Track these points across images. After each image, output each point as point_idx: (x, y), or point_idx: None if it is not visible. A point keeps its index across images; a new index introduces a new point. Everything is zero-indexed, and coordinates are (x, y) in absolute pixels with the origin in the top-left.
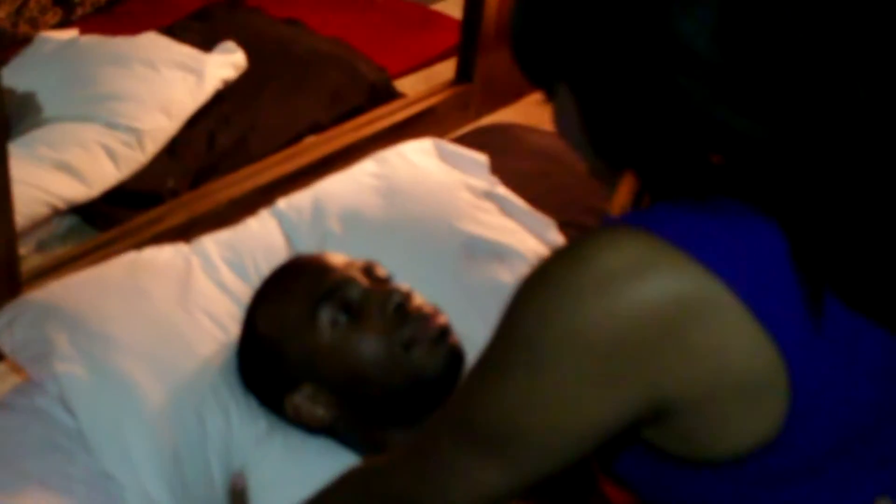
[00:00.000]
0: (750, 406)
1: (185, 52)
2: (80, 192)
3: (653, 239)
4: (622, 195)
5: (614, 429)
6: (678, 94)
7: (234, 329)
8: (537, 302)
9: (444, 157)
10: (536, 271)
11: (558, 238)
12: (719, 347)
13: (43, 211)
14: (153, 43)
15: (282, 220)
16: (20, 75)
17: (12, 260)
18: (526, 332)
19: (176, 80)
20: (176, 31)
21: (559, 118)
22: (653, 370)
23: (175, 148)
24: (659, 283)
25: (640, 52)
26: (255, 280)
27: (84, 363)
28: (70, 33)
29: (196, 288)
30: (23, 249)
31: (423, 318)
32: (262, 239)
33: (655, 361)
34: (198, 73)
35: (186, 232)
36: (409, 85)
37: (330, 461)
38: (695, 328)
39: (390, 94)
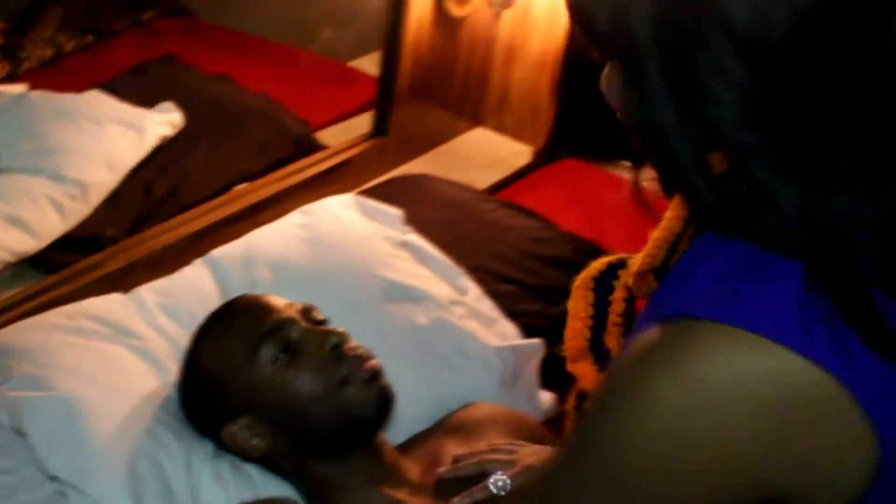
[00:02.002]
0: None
1: (127, 109)
2: (29, 245)
3: (743, 336)
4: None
5: None
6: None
7: (170, 366)
8: (643, 431)
9: (363, 210)
10: (632, 378)
11: (467, 283)
12: (835, 428)
13: None
14: (98, 100)
15: (215, 268)
16: None
17: None
18: (625, 451)
19: (118, 136)
20: (116, 87)
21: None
22: (772, 466)
23: (115, 197)
24: (762, 390)
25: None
26: (190, 324)
27: (33, 388)
28: (19, 87)
29: (133, 331)
30: None
31: (357, 360)
32: (196, 286)
33: (774, 458)
34: (138, 130)
35: (126, 276)
36: (330, 136)
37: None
38: (806, 416)
39: (313, 146)
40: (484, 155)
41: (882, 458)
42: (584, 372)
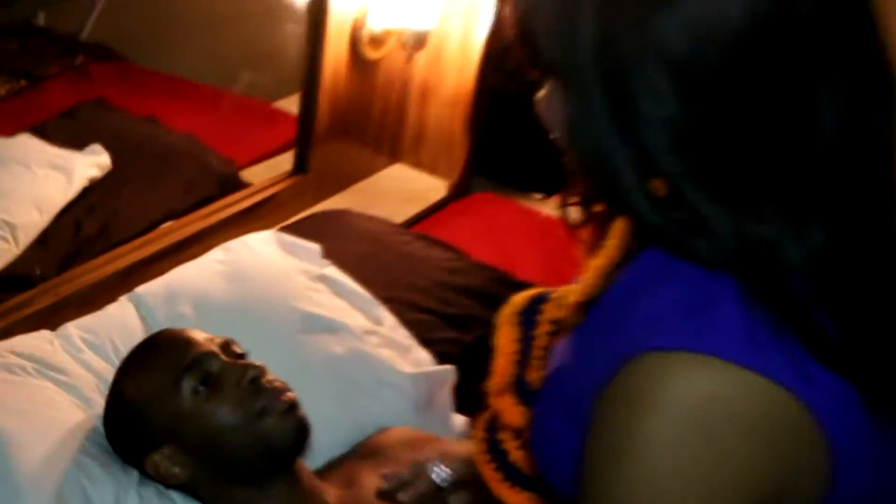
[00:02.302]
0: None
1: (56, 152)
2: None
3: (708, 361)
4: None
5: None
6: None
7: (96, 399)
8: (634, 471)
9: (282, 245)
10: (615, 426)
11: (383, 314)
12: (794, 444)
13: None
14: (27, 144)
15: (139, 304)
16: None
17: None
18: (628, 496)
19: (47, 179)
20: (48, 130)
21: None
22: (759, 482)
23: (45, 237)
24: (736, 408)
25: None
26: (115, 359)
27: None
28: None
29: (59, 366)
30: None
31: (275, 392)
32: (120, 322)
33: (762, 476)
34: (67, 172)
35: (55, 313)
36: (254, 174)
37: None
38: (778, 436)
39: (237, 184)
40: (402, 190)
41: (834, 468)
42: (505, 406)
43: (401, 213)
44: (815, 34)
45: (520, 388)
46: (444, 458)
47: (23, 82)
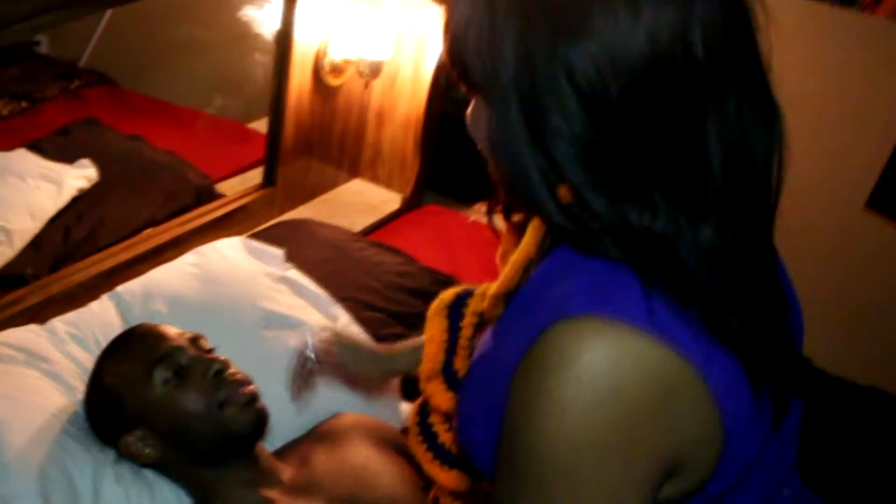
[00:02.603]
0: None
1: (48, 165)
2: None
3: (615, 324)
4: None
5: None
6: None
7: (77, 386)
8: (549, 425)
9: (249, 250)
10: (531, 389)
11: (339, 311)
12: (693, 407)
13: None
14: (23, 158)
15: (118, 302)
16: None
17: None
18: (548, 457)
19: (40, 189)
20: (43, 146)
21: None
22: (662, 439)
23: (38, 241)
24: (642, 369)
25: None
26: (96, 350)
27: None
28: None
29: (45, 356)
30: None
31: (237, 384)
32: (101, 318)
33: (663, 432)
34: (58, 183)
35: (44, 309)
36: (228, 187)
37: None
38: (677, 396)
39: (212, 195)
40: (360, 202)
41: (726, 440)
42: (435, 391)
43: (359, 223)
44: (706, 73)
45: (448, 374)
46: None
47: (24, 104)
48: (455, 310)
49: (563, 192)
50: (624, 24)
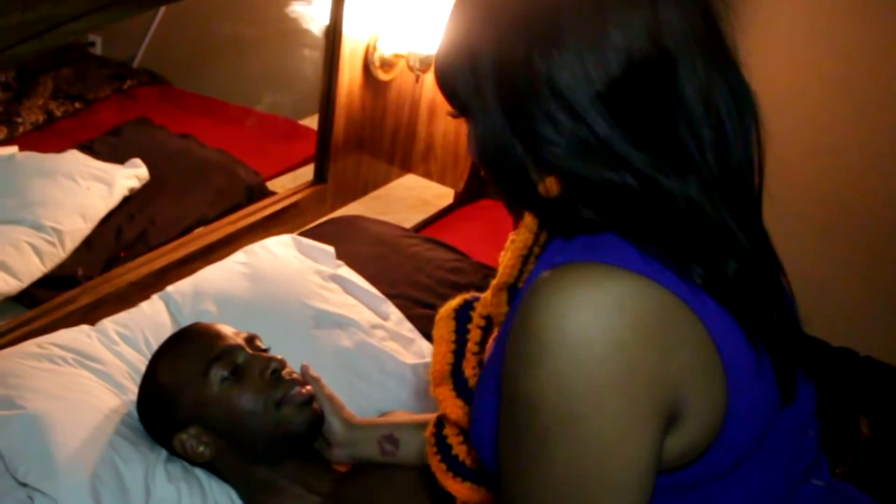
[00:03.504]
0: (710, 396)
1: (99, 166)
2: (12, 285)
3: (607, 268)
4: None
5: (658, 452)
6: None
7: (128, 386)
8: (542, 369)
9: (299, 248)
10: (519, 337)
11: (390, 309)
12: (690, 342)
13: None
14: (74, 159)
15: (168, 302)
16: None
17: None
18: (546, 403)
19: (91, 190)
20: (95, 146)
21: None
22: (659, 372)
23: (89, 242)
24: (627, 298)
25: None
26: (146, 350)
27: (4, 406)
28: (10, 150)
29: (97, 357)
30: None
31: (293, 384)
32: (152, 317)
33: (658, 365)
34: (108, 184)
35: (96, 309)
36: (280, 184)
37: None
38: (671, 329)
39: (264, 193)
40: (413, 198)
41: (729, 392)
42: (444, 397)
43: (411, 219)
44: (680, 57)
45: (457, 380)
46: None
47: (77, 105)
48: (463, 313)
49: (551, 184)
50: (595, 36)
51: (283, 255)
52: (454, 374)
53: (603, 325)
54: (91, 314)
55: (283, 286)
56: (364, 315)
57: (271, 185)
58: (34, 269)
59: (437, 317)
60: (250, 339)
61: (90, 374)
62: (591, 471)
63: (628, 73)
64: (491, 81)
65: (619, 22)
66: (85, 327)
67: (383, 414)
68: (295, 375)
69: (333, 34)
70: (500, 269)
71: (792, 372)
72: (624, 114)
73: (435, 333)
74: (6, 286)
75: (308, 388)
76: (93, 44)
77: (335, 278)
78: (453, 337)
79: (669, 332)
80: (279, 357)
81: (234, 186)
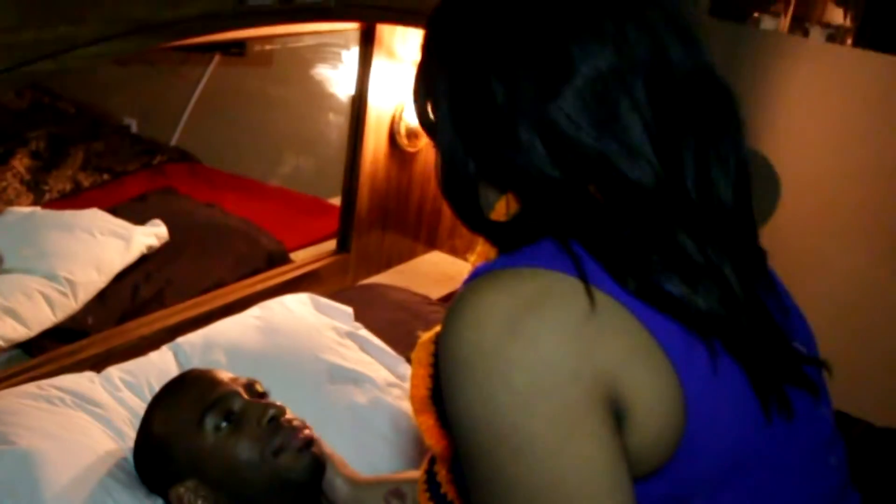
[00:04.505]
0: (658, 395)
1: (118, 222)
2: (20, 333)
3: (546, 272)
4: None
5: (614, 448)
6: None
7: (128, 433)
8: (465, 387)
9: (317, 307)
10: (442, 356)
11: (407, 370)
12: (614, 329)
13: None
14: (94, 215)
15: (177, 352)
16: None
17: None
18: (480, 421)
19: (108, 244)
20: (119, 211)
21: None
22: (584, 363)
23: (104, 298)
24: (561, 305)
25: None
26: (148, 396)
27: None
28: (33, 208)
29: (97, 401)
30: None
31: (293, 430)
32: (159, 366)
33: (580, 356)
34: (126, 240)
35: (104, 361)
36: (303, 257)
37: None
38: (590, 318)
39: (285, 261)
40: (437, 272)
41: (683, 385)
42: (427, 426)
43: (435, 292)
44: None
45: (440, 408)
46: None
47: (105, 176)
48: None
49: (501, 206)
50: (553, 59)
51: (299, 311)
52: (436, 402)
53: (512, 328)
54: (98, 366)
55: (297, 340)
56: (380, 373)
57: (294, 256)
58: (44, 318)
59: (419, 341)
60: (249, 385)
61: (89, 417)
62: (547, 481)
63: (586, 87)
64: (446, 102)
65: (581, 50)
66: (88, 373)
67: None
68: (296, 422)
69: (359, 102)
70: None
71: (774, 384)
72: (582, 120)
73: (413, 356)
74: (14, 333)
75: (307, 431)
76: (128, 126)
77: (351, 335)
78: (431, 360)
79: (589, 322)
80: (278, 403)
81: (255, 252)
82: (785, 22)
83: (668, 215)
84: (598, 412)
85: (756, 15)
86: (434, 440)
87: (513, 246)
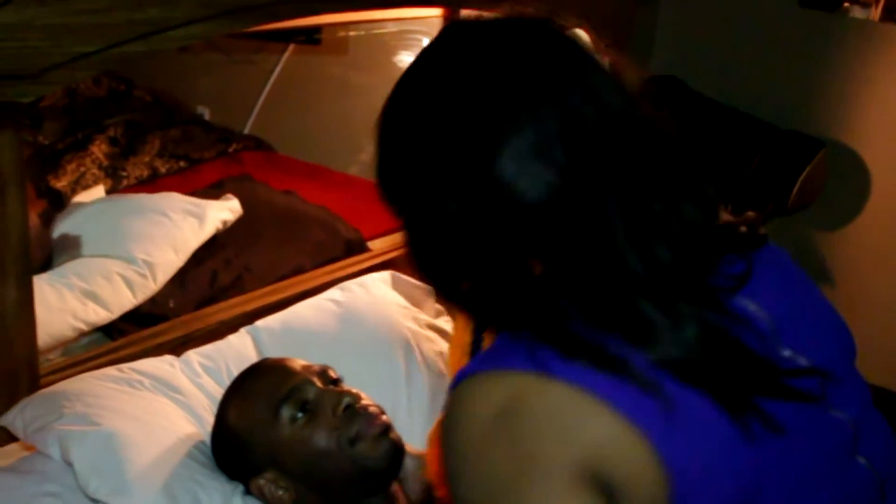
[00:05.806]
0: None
1: (191, 200)
2: (102, 316)
3: (513, 374)
4: (459, 335)
5: None
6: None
7: (207, 418)
8: (463, 477)
9: (397, 285)
10: (448, 452)
11: None
12: (591, 420)
13: (70, 334)
14: (166, 196)
15: (255, 336)
16: (72, 224)
17: (34, 369)
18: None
19: (182, 223)
20: (195, 196)
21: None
22: (565, 452)
23: (184, 280)
24: (520, 396)
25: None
26: (227, 382)
27: (81, 423)
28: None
29: (177, 386)
30: (51, 355)
31: (369, 417)
32: (237, 351)
33: (560, 445)
34: (200, 217)
35: (183, 345)
36: (380, 246)
37: None
38: (564, 414)
39: (363, 249)
40: None
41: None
42: (431, 460)
43: None
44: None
45: None
46: None
47: (182, 163)
48: None
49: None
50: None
51: (380, 294)
52: None
53: (495, 431)
54: (177, 350)
55: (376, 328)
56: None
57: (372, 245)
58: (125, 300)
59: (436, 420)
60: (322, 372)
61: (169, 402)
62: None
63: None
64: (412, 206)
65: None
66: (168, 357)
67: None
68: (372, 408)
69: None
70: (450, 368)
71: (744, 404)
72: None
73: (429, 435)
74: (96, 317)
75: (384, 417)
76: (201, 115)
77: (433, 328)
78: None
79: (562, 414)
80: (353, 390)
81: (333, 240)
82: (876, 11)
83: (602, 278)
84: (590, 490)
85: (846, 4)
86: (440, 486)
87: (489, 323)
